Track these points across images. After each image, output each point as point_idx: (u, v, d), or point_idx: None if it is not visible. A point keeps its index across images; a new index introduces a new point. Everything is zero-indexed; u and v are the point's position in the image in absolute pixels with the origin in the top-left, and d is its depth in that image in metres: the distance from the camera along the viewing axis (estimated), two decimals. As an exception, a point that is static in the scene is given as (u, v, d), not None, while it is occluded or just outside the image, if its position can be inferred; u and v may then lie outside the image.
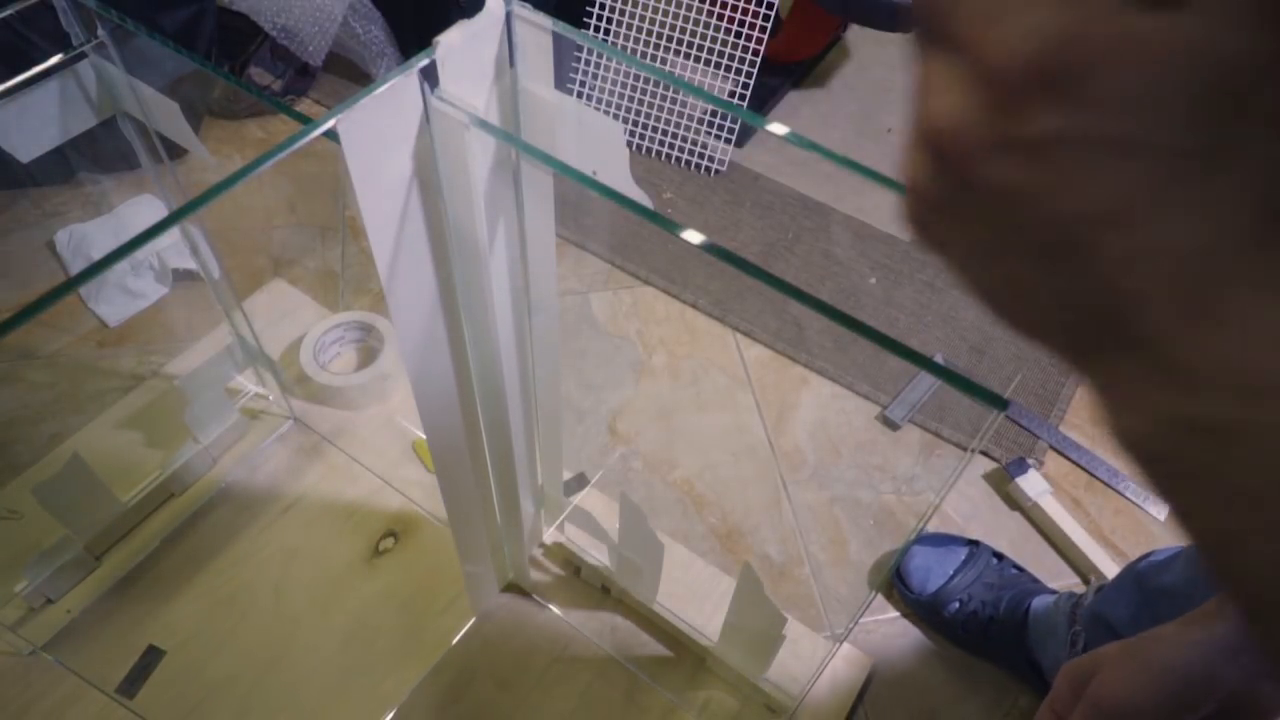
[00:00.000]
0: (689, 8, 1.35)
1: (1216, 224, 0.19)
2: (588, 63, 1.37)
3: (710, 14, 1.36)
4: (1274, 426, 0.20)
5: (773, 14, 1.27)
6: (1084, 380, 0.23)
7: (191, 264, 1.12)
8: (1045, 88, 0.18)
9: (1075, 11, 0.18)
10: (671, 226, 0.39)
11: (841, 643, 0.86)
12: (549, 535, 0.91)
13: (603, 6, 1.32)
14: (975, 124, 0.20)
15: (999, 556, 0.94)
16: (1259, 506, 0.21)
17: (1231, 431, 0.20)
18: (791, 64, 1.52)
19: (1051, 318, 0.22)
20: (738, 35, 1.33)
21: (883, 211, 1.33)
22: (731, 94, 1.39)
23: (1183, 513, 0.23)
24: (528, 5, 0.46)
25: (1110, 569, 0.95)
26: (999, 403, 0.36)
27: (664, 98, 1.37)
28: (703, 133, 1.39)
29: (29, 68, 0.64)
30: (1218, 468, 0.21)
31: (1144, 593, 0.74)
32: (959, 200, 0.21)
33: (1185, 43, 0.18)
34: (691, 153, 1.37)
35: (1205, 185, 0.19)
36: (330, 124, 0.40)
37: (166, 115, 0.67)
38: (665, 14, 1.36)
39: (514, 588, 0.90)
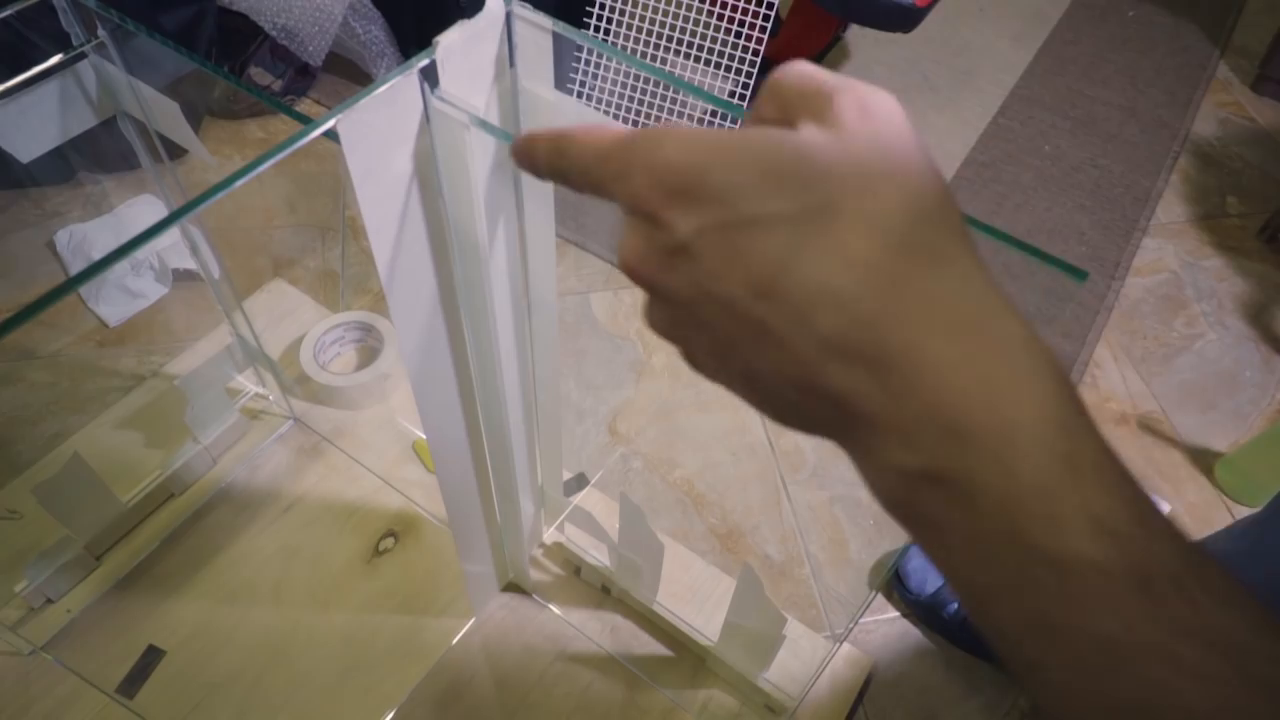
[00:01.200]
0: (689, 8, 1.35)
1: (858, 272, 0.21)
2: (588, 63, 1.37)
3: (710, 14, 1.36)
4: (988, 467, 0.21)
5: (773, 14, 1.27)
6: (843, 450, 0.24)
7: (191, 264, 1.12)
8: (671, 200, 0.23)
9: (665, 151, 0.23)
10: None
11: (841, 643, 0.86)
12: (549, 535, 0.91)
13: (603, 6, 1.32)
14: (644, 251, 0.24)
15: (999, 556, 0.94)
16: (992, 557, 0.22)
17: (955, 480, 0.21)
18: (791, 64, 1.52)
19: (786, 402, 0.24)
20: (738, 35, 1.33)
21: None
22: (731, 94, 1.39)
23: (938, 563, 0.24)
24: (528, 5, 0.46)
25: (1110, 569, 0.95)
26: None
27: (664, 98, 1.37)
28: (703, 133, 1.39)
29: (29, 68, 0.64)
30: (952, 517, 0.22)
31: None
32: (670, 318, 0.25)
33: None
34: (691, 153, 1.37)
35: (826, 240, 0.21)
36: (330, 124, 0.40)
37: (166, 115, 0.67)
38: (665, 14, 1.36)
39: (514, 588, 0.90)
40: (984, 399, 0.21)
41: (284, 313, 1.11)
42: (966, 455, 0.21)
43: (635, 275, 0.25)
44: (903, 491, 0.23)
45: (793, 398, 0.24)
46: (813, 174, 0.22)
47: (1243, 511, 1.04)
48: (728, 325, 0.23)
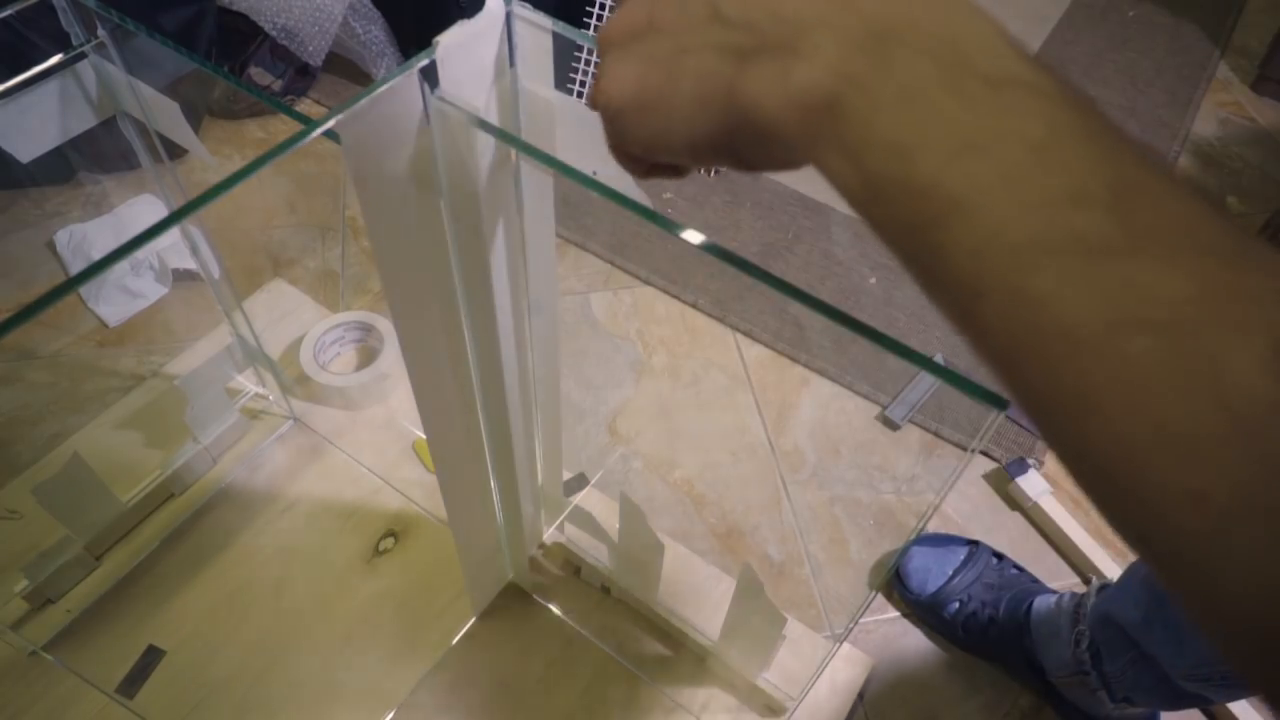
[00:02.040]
0: (689, 8, 1.35)
1: None
2: (588, 63, 1.37)
3: (710, 14, 1.36)
4: (994, 184, 0.21)
5: (773, 14, 1.27)
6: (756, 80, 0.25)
7: (191, 264, 1.12)
8: None
9: None
10: (671, 226, 0.39)
11: (841, 643, 0.86)
12: (549, 535, 0.91)
13: (602, 6, 1.32)
14: None
15: (999, 556, 0.94)
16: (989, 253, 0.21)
17: (953, 199, 0.22)
18: (791, 64, 1.52)
19: (726, 45, 0.26)
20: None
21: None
22: (731, 94, 1.39)
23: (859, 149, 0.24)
24: (528, 5, 0.46)
25: (1111, 569, 0.95)
26: (999, 402, 0.36)
27: (664, 98, 1.37)
28: (703, 133, 1.39)
29: (29, 68, 0.64)
30: (938, 225, 0.22)
31: (1154, 593, 0.73)
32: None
33: None
34: (691, 153, 1.37)
35: None
36: (330, 124, 0.40)
37: (166, 115, 0.67)
38: (665, 14, 1.36)
39: (514, 588, 0.90)
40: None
41: (284, 313, 1.12)
42: (975, 173, 0.22)
43: None
44: (869, 187, 0.24)
45: (751, 20, 0.26)
46: None
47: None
48: None
